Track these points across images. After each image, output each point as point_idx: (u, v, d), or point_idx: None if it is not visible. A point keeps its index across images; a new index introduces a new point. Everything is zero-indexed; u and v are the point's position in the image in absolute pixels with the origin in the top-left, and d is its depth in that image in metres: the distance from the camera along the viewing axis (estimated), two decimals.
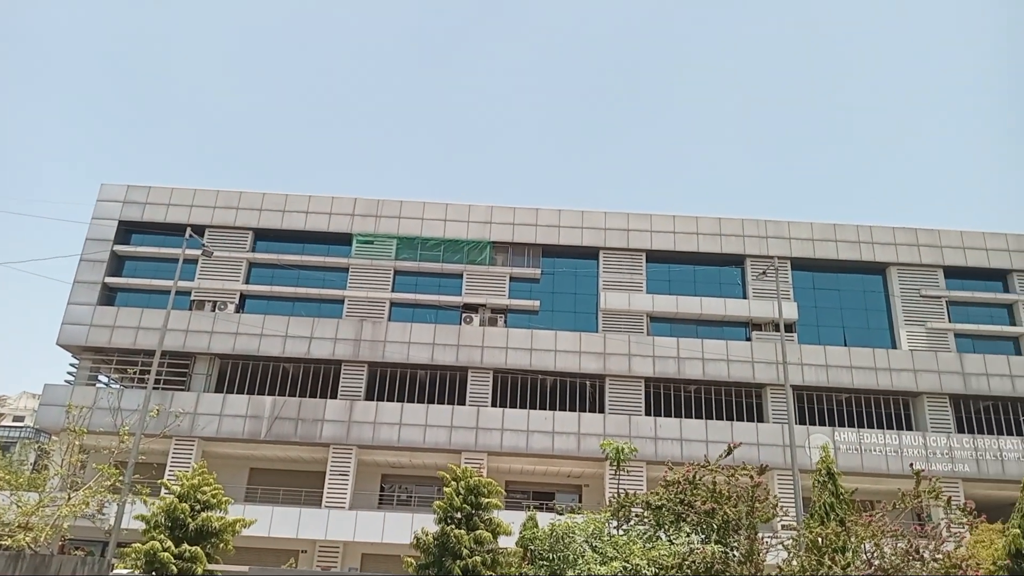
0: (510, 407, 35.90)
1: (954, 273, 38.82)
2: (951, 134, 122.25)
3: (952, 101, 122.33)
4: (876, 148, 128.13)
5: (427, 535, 15.48)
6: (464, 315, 37.46)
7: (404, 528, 29.71)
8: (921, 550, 15.02)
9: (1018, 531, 18.01)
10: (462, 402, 35.89)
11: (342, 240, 39.04)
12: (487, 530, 15.32)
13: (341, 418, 35.07)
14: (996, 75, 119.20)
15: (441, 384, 36.72)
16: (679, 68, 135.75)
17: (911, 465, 15.52)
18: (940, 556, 15.03)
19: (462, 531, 15.09)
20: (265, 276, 38.62)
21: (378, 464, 37.37)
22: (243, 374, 36.71)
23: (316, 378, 36.98)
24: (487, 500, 15.74)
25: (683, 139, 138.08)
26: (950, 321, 37.81)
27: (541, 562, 14.99)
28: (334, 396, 35.95)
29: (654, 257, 38.97)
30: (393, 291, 38.02)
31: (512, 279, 38.40)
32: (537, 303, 37.85)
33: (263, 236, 39.36)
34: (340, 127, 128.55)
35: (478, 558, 14.49)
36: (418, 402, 36.19)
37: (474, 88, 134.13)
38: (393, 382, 36.72)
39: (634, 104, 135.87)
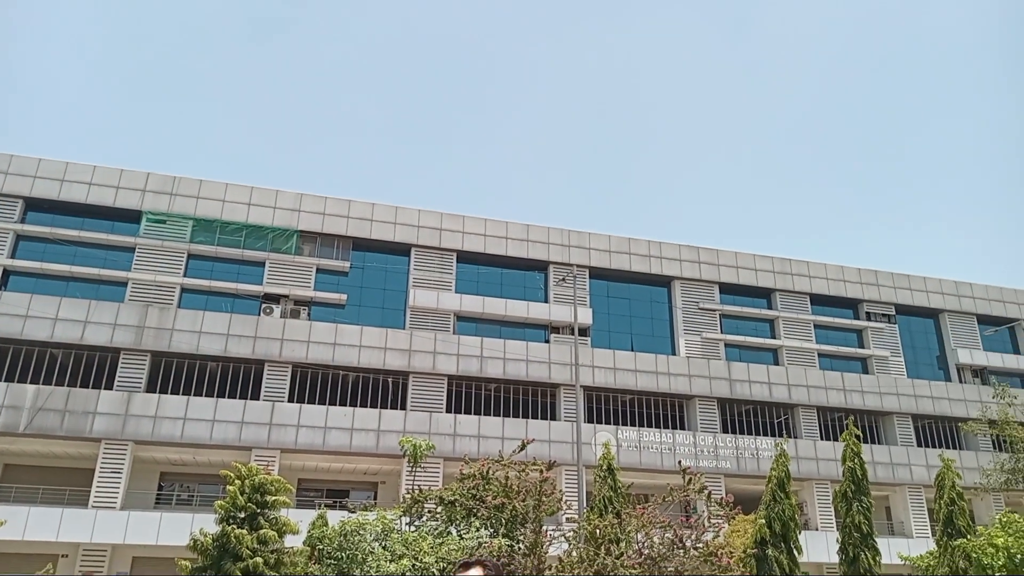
0: (308, 403, 34.83)
1: (727, 289, 43.09)
2: (732, 163, 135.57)
3: (736, 132, 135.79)
4: (671, 167, 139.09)
5: (206, 536, 14.62)
6: (264, 305, 35.83)
7: (183, 530, 27.65)
8: (685, 539, 16.57)
9: (764, 521, 20.36)
10: (256, 397, 34.30)
11: (130, 217, 35.85)
12: (272, 529, 14.78)
13: (116, 411, 32.14)
14: (766, 108, 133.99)
15: (234, 377, 34.82)
16: (511, 76, 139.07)
17: (679, 462, 17.13)
18: (701, 545, 16.66)
19: (244, 531, 14.44)
20: (35, 251, 34.53)
21: (157, 461, 34.68)
22: (2, 359, 32.57)
23: (90, 367, 33.58)
24: (274, 498, 15.19)
25: (504, 145, 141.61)
26: (722, 332, 41.91)
27: (329, 561, 14.71)
28: (110, 387, 32.88)
29: (464, 258, 39.62)
30: (185, 276, 35.50)
31: (319, 271, 37.33)
32: (344, 297, 37.08)
33: (36, 206, 35.16)
34: (142, 94, 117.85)
35: (260, 559, 13.94)
36: (207, 396, 34.05)
37: (299, 71, 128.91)
38: (180, 374, 34.25)
39: (460, 106, 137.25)
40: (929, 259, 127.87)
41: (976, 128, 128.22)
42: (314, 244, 37.78)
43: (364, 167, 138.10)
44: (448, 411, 36.25)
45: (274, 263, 36.54)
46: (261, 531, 14.68)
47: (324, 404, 34.96)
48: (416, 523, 16.12)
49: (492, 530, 15.36)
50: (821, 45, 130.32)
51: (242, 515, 15.26)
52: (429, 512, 16.08)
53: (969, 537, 20.74)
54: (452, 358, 36.82)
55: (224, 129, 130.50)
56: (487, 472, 15.51)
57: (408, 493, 16.16)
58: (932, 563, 22.53)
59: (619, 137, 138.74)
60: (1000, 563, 19.01)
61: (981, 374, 45.17)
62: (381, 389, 36.52)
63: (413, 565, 13.30)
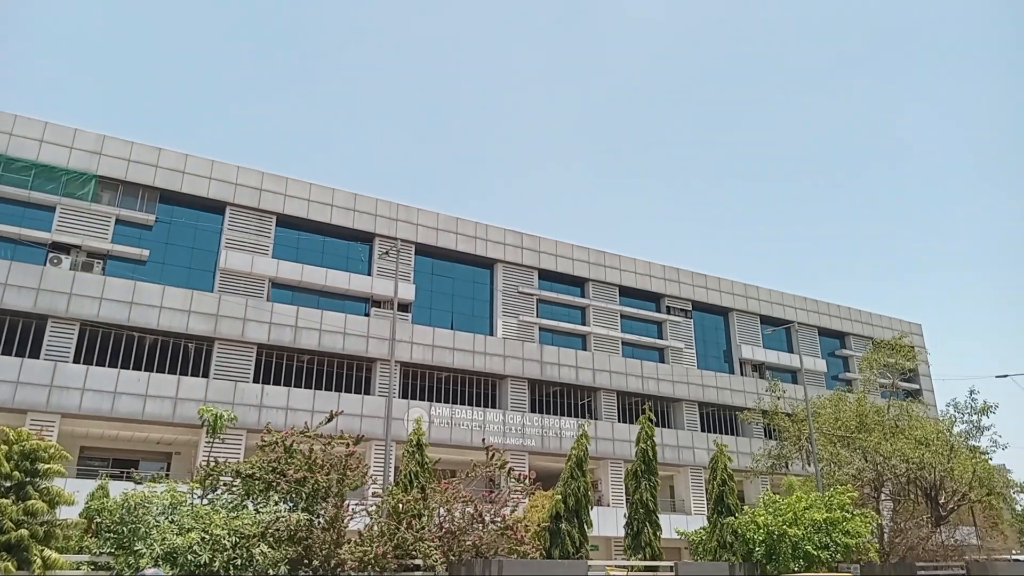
0: (97, 365, 31.97)
1: (546, 275, 44.71)
2: (559, 153, 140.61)
3: (568, 126, 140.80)
4: (502, 153, 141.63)
5: None
6: (52, 255, 32.33)
7: None
8: (484, 514, 17.11)
9: (560, 497, 21.46)
10: (36, 355, 30.97)
11: None
12: (43, 500, 13.47)
13: None
14: (606, 101, 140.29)
15: (11, 332, 31.19)
16: (356, 37, 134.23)
17: (483, 439, 17.63)
18: (499, 519, 17.28)
19: (8, 501, 13.04)
20: None
21: None
22: None
23: None
24: (47, 467, 13.81)
25: (338, 107, 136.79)
26: (537, 316, 43.47)
27: (108, 534, 13.69)
28: None
29: (284, 222, 37.96)
30: None
31: (119, 222, 34.19)
32: (146, 252, 34.24)
33: None
34: None
35: (26, 531, 12.66)
36: None
37: (118, 5, 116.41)
38: None
39: (300, 58, 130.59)
40: (722, 260, 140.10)
41: (776, 138, 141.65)
42: (115, 192, 34.57)
43: (179, 114, 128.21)
44: (255, 381, 34.78)
45: (66, 209, 33.02)
46: (29, 502, 13.33)
47: (116, 367, 32.25)
48: (210, 496, 15.38)
49: (292, 504, 14.99)
50: (649, 40, 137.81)
51: (8, 484, 13.78)
52: (225, 485, 15.39)
53: (737, 515, 23.08)
54: (264, 326, 35.30)
55: (16, 52, 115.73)
56: (290, 444, 15.07)
57: (203, 465, 15.34)
58: (704, 537, 24.84)
59: (456, 117, 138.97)
60: (760, 538, 21.37)
61: (760, 369, 50.26)
62: (182, 354, 34.28)
63: (203, 538, 12.69)
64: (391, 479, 23.83)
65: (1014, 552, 36.11)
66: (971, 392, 30.70)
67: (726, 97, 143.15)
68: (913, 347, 45.00)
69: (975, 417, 31.15)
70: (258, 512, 14.47)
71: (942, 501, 29.45)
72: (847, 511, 21.99)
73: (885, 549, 27.42)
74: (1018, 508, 38.58)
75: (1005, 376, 35.73)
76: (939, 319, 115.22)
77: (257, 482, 14.90)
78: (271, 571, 13.43)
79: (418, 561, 15.35)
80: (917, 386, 53.79)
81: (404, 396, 38.01)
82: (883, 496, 30.03)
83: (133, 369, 32.65)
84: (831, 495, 22.65)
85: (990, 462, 32.26)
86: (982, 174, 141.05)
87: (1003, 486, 34.34)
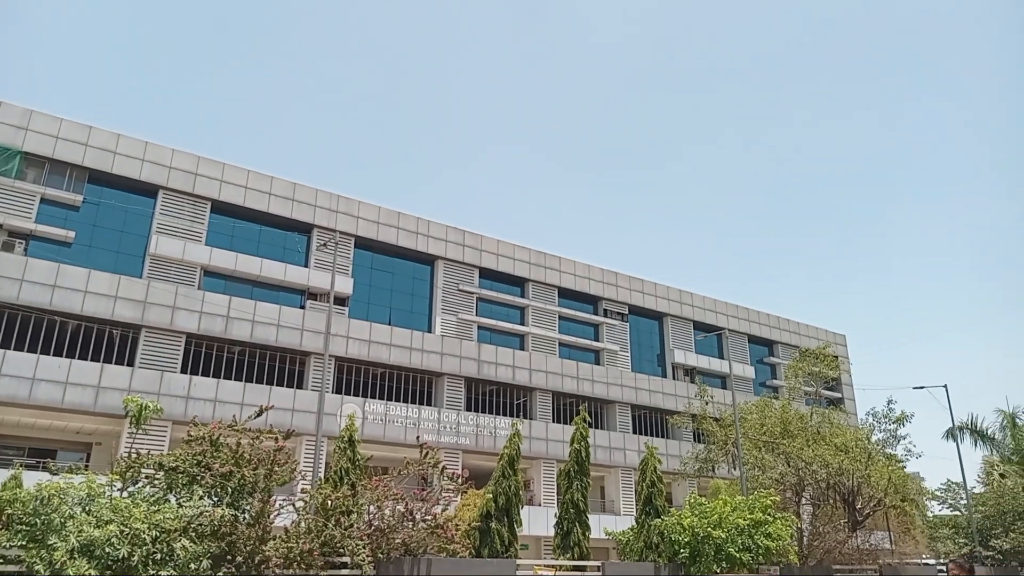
0: (15, 350, 30.56)
1: (486, 274, 44.76)
2: (499, 152, 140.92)
3: (512, 125, 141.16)
4: (444, 147, 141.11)
5: None
6: None
7: None
8: (416, 512, 17.01)
9: (490, 496, 21.50)
10: None
11: None
12: None
13: None
14: (547, 104, 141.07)
15: None
16: (303, 24, 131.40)
17: (417, 437, 17.53)
18: (429, 518, 17.20)
19: None
20: None
21: None
22: None
23: None
24: None
25: (280, 95, 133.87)
26: (477, 315, 43.48)
27: (20, 527, 13.08)
28: None
29: (220, 208, 36.97)
30: None
31: (44, 201, 32.74)
32: (72, 234, 32.90)
33: None
34: None
35: None
36: None
37: None
38: None
39: (243, 42, 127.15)
40: (657, 266, 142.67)
41: (716, 150, 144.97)
42: (41, 170, 33.11)
43: (113, 93, 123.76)
44: (183, 372, 33.82)
45: None
46: None
47: (35, 352, 30.90)
48: (131, 489, 14.88)
49: (216, 499, 14.62)
50: (599, 39, 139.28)
51: None
52: (147, 478, 14.91)
53: (664, 517, 23.54)
54: (194, 315, 34.34)
55: None
56: (217, 437, 14.69)
57: (125, 457, 14.83)
58: (632, 538, 25.25)
59: (402, 110, 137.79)
60: (686, 540, 21.84)
61: (691, 373, 51.38)
62: (107, 341, 33.09)
63: (121, 531, 12.26)
64: (321, 475, 23.50)
65: (924, 556, 37.82)
66: (889, 402, 31.91)
67: (671, 105, 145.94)
68: (837, 357, 46.66)
69: (892, 426, 32.42)
70: (181, 506, 14.07)
71: (859, 506, 30.59)
72: (769, 514, 22.67)
73: (804, 552, 28.36)
74: (929, 515, 40.37)
75: (922, 388, 37.34)
76: (862, 331, 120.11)
77: (181, 475, 14.48)
78: (192, 566, 13.08)
79: (346, 559, 15.17)
80: (839, 395, 55.82)
81: (338, 391, 37.52)
82: (804, 500, 31.04)
83: (54, 355, 31.34)
84: (755, 499, 23.30)
85: (905, 470, 33.73)
86: (909, 188, 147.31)
87: (916, 493, 35.90)
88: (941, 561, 35.27)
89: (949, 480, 40.50)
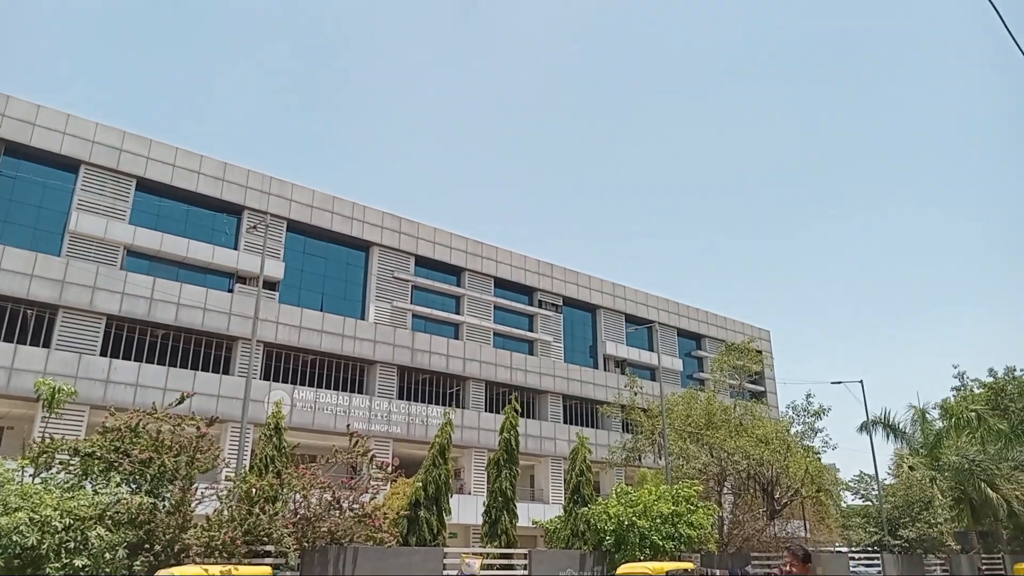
0: None
1: (422, 262, 44.47)
2: (439, 139, 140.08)
3: (450, 115, 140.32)
4: (383, 132, 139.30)
5: None
6: None
7: None
8: (343, 500, 16.88)
9: (420, 485, 21.50)
10: None
11: None
12: None
13: None
14: (486, 96, 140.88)
15: None
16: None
17: (347, 425, 17.35)
18: (357, 506, 17.09)
19: None
20: None
21: None
22: None
23: None
24: None
25: (212, 71, 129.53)
26: (412, 303, 43.18)
27: None
28: None
29: (146, 186, 35.61)
30: None
31: None
32: None
33: None
34: None
35: None
36: None
37: None
38: None
39: (177, 14, 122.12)
40: (591, 259, 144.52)
41: (649, 146, 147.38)
42: None
43: (33, 64, 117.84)
44: (103, 355, 32.57)
45: None
46: None
47: None
48: (43, 475, 14.31)
49: (135, 486, 14.21)
50: (543, 36, 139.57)
51: None
52: (61, 464, 14.37)
53: (591, 505, 23.96)
54: (116, 296, 33.08)
55: None
56: (136, 424, 14.26)
57: (37, 441, 14.24)
58: (559, 526, 25.64)
59: (342, 91, 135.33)
60: (611, 528, 22.30)
61: (622, 365, 52.25)
62: (21, 321, 31.56)
63: (31, 519, 11.79)
64: (247, 463, 23.04)
65: (837, 544, 39.48)
66: (808, 396, 33.21)
67: (608, 100, 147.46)
68: (760, 352, 48.15)
69: (810, 419, 33.75)
70: (97, 493, 13.62)
71: (777, 496, 31.74)
72: (692, 504, 23.34)
73: (724, 540, 29.29)
74: (843, 505, 42.09)
75: (839, 383, 38.86)
76: (786, 327, 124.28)
77: (98, 462, 14.02)
78: (108, 555, 12.68)
79: (270, 548, 14.95)
80: (762, 388, 57.66)
81: (266, 378, 36.77)
82: (725, 490, 32.02)
83: None
84: (678, 488, 23.94)
85: (821, 461, 35.13)
86: (832, 191, 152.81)
87: (831, 484, 37.43)
88: (853, 549, 36.90)
89: (862, 472, 42.30)
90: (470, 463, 42.21)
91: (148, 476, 13.92)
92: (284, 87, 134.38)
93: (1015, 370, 49.26)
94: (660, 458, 34.54)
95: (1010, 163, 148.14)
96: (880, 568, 32.16)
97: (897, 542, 35.09)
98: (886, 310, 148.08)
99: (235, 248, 37.60)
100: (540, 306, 49.17)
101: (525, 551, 22.49)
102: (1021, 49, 8.28)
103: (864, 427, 40.85)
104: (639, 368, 51.63)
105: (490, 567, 22.11)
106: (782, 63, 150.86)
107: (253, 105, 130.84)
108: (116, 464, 13.74)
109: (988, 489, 38.20)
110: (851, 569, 30.75)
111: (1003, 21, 7.90)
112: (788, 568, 5.66)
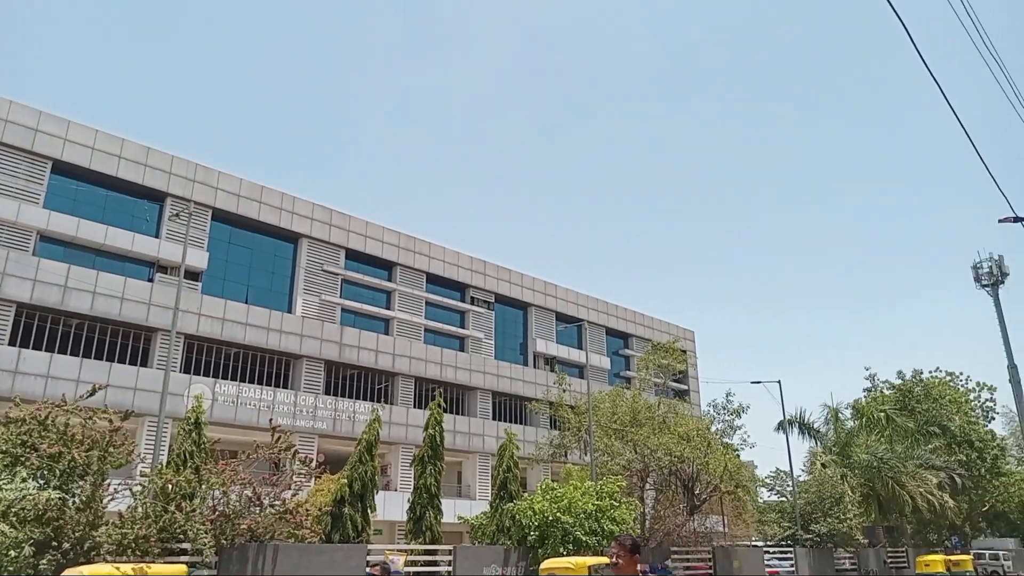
0: None
1: (353, 256, 43.87)
2: (374, 133, 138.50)
3: (394, 108, 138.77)
4: (317, 122, 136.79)
5: None
6: None
7: None
8: (264, 497, 16.55)
9: (345, 481, 21.26)
10: None
11: None
12: None
13: None
14: (436, 91, 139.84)
15: None
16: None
17: (270, 420, 17.04)
18: (278, 503, 16.80)
19: None
20: None
21: None
22: None
23: None
24: None
25: (136, 54, 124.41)
26: (341, 297, 42.55)
27: None
28: None
29: (61, 169, 34.02)
30: None
31: None
32: None
33: None
34: None
35: None
36: None
37: None
38: None
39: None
40: (522, 256, 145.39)
41: (586, 148, 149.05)
42: None
43: None
44: (11, 344, 31.01)
45: None
46: None
47: None
48: None
49: (43, 481, 13.60)
50: (491, 32, 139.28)
51: None
52: None
53: (516, 501, 24.15)
54: (26, 283, 31.52)
55: None
56: (45, 417, 13.65)
57: None
58: (485, 522, 25.75)
59: (276, 77, 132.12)
60: (535, 523, 22.54)
61: (551, 362, 52.77)
62: None
63: None
64: (164, 459, 22.33)
65: (753, 539, 40.89)
66: (728, 395, 34.28)
67: (551, 101, 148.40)
68: (684, 351, 49.35)
69: (730, 417, 34.85)
70: (1, 489, 12.99)
71: (697, 492, 32.65)
72: (615, 499, 23.80)
73: (646, 534, 29.96)
74: (760, 501, 43.57)
75: (758, 382, 40.25)
76: (709, 327, 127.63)
77: (2, 456, 13.37)
78: (12, 553, 12.12)
79: (186, 545, 14.55)
80: (685, 387, 59.12)
81: (186, 371, 35.65)
82: (648, 485, 32.76)
83: None
84: (602, 484, 24.37)
85: (739, 458, 36.31)
86: (761, 196, 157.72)
87: (749, 480, 38.72)
88: (768, 544, 38.27)
89: (778, 468, 43.91)
90: (397, 459, 41.91)
91: (57, 471, 13.35)
92: (216, 73, 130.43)
93: (921, 373, 51.98)
94: (586, 454, 35.06)
95: (921, 165, 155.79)
96: (793, 561, 33.49)
97: (809, 536, 36.58)
98: (806, 312, 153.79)
99: (157, 236, 36.32)
100: (472, 303, 49.19)
101: (450, 547, 22.51)
102: (931, 72, 8.75)
103: (781, 426, 42.39)
104: (568, 366, 52.22)
105: (414, 563, 22.06)
106: (724, 68, 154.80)
107: (181, 91, 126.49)
108: (22, 458, 13.13)
109: (895, 486, 40.22)
110: (765, 563, 31.91)
111: (910, 37, 8.34)
112: (615, 559, 5.27)
